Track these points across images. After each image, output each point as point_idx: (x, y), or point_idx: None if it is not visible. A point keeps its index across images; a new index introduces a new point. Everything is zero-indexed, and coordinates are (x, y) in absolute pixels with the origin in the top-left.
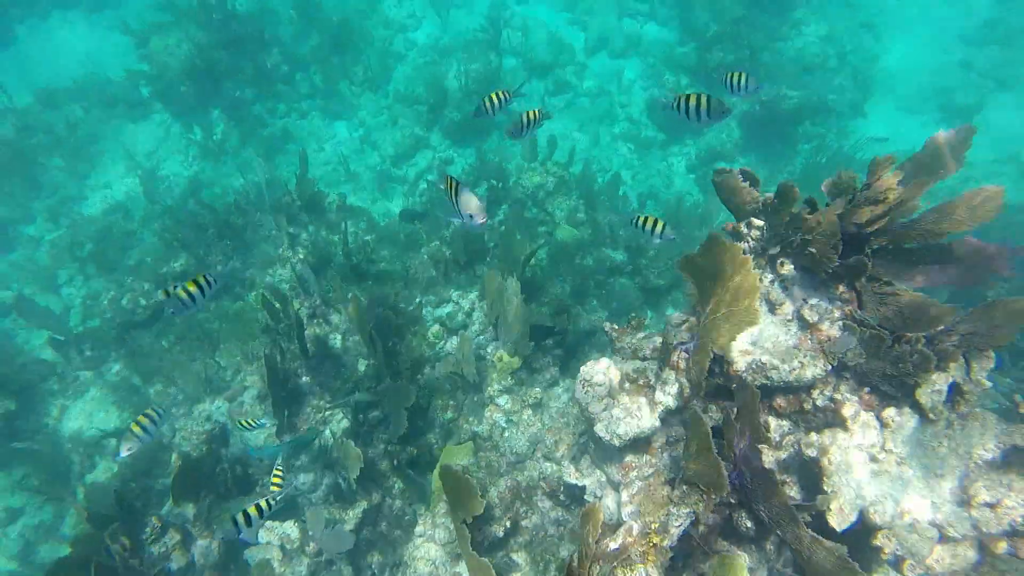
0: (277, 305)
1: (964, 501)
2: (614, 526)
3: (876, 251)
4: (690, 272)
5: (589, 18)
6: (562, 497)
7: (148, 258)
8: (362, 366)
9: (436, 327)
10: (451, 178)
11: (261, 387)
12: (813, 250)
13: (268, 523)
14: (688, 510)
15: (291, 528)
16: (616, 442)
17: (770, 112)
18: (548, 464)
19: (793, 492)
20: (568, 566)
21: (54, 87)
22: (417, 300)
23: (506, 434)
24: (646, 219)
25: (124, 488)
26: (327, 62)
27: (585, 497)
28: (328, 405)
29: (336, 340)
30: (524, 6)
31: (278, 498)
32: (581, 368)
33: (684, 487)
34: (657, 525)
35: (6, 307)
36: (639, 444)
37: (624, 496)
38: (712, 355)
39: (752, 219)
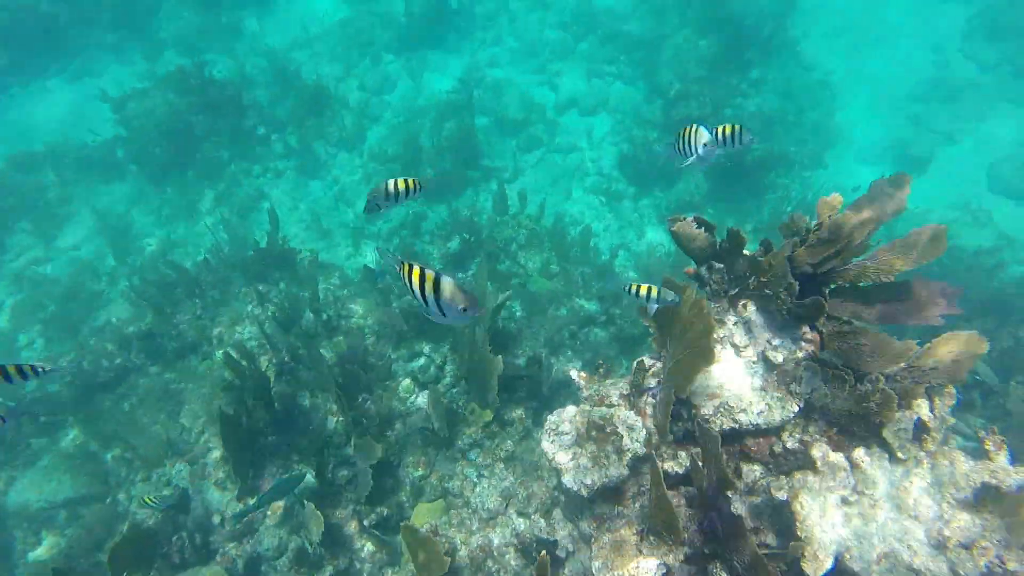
0: (243, 363)
1: (940, 544)
2: None
3: (834, 291)
4: (651, 317)
5: (559, 79)
6: (534, 554)
7: (114, 318)
8: (332, 423)
9: (407, 381)
10: (412, 265)
11: (223, 449)
12: (769, 291)
13: None
14: (658, 561)
15: None
16: (584, 492)
17: (736, 164)
18: (520, 520)
19: (768, 538)
20: None
21: (28, 151)
22: (388, 355)
23: (477, 489)
24: (638, 287)
25: (68, 567)
26: (303, 124)
27: (557, 552)
28: (293, 472)
29: (305, 397)
30: (496, 68)
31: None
32: (548, 418)
33: (651, 537)
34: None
35: None
36: (609, 494)
37: (595, 549)
38: (675, 399)
39: (713, 263)
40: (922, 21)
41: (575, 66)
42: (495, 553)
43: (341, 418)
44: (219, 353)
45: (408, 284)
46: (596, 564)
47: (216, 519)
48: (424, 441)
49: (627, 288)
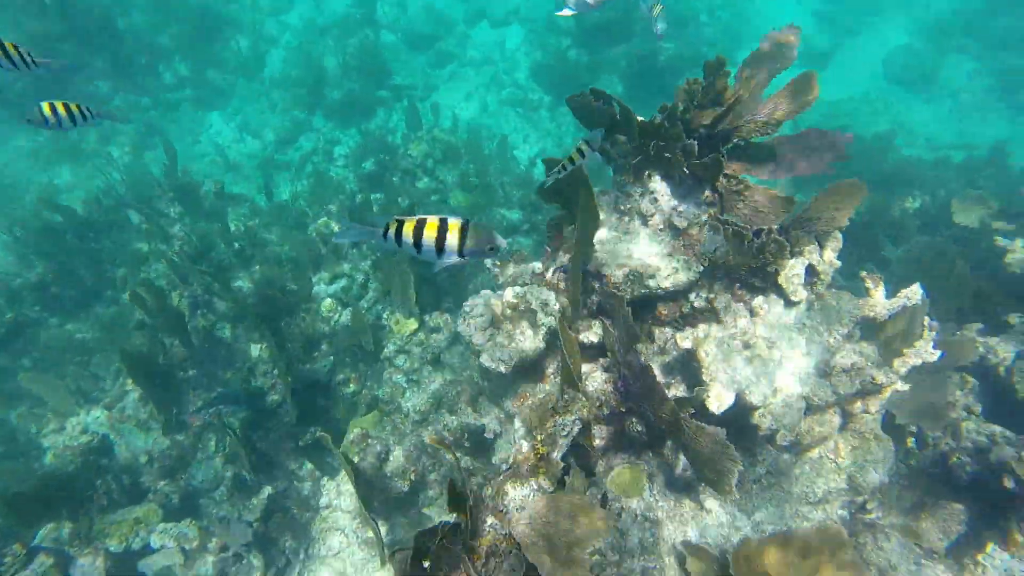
0: (152, 301)
1: (826, 372)
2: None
3: (732, 150)
4: (551, 197)
5: None
6: (467, 444)
7: None
8: (255, 351)
9: (328, 301)
10: (413, 219)
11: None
12: (668, 155)
13: (163, 525)
14: (573, 417)
15: (189, 528)
16: (503, 368)
17: (648, 65)
18: (452, 417)
19: (680, 391)
20: (450, 484)
21: None
22: (309, 277)
23: (407, 394)
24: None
25: None
26: (192, 50)
27: (485, 435)
28: (217, 397)
29: (225, 329)
30: None
31: None
32: (464, 304)
33: (566, 396)
34: (543, 437)
35: None
36: (528, 370)
37: (517, 423)
38: (584, 268)
39: (616, 136)
40: None
41: None
42: (428, 449)
43: (264, 344)
44: (125, 296)
45: (412, 239)
46: (519, 434)
47: (143, 459)
48: (353, 357)
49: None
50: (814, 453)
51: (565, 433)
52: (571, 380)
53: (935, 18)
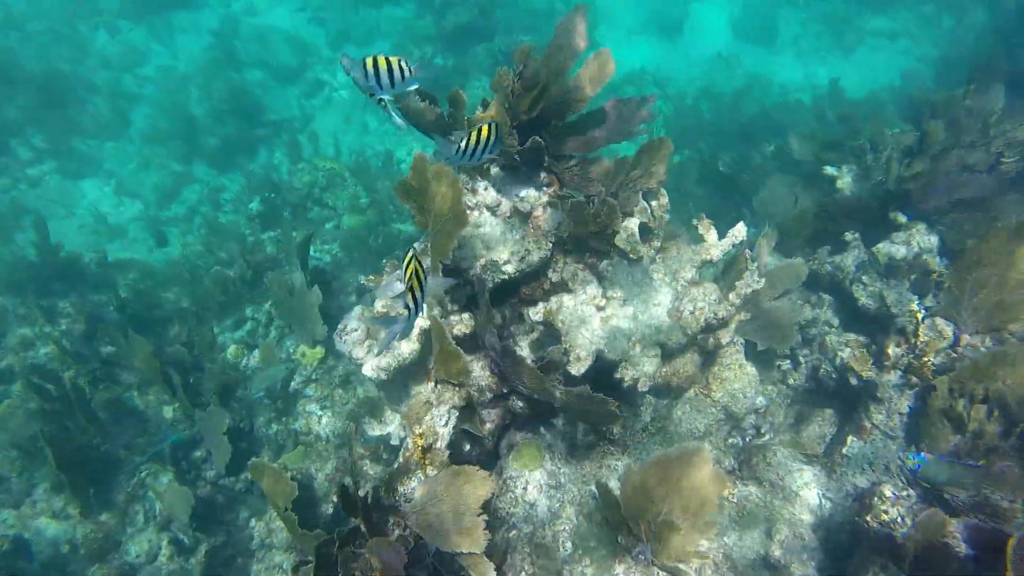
0: (48, 385)
1: (677, 317)
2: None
3: (553, 130)
4: (406, 195)
5: (326, 13)
6: (385, 456)
7: None
8: (168, 412)
9: (232, 347)
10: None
11: (52, 476)
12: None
13: None
14: (446, 406)
15: None
16: (384, 376)
17: (507, 59)
18: (368, 430)
19: None
20: (340, 489)
21: None
22: (213, 328)
23: (323, 420)
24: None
25: None
26: (46, 120)
27: (392, 443)
28: (141, 460)
29: (133, 398)
30: (256, 17)
31: None
32: (339, 325)
33: (438, 387)
34: (422, 429)
35: None
36: (413, 373)
37: (399, 424)
38: (442, 266)
39: (453, 134)
40: None
41: None
42: (350, 469)
43: (176, 404)
44: (15, 387)
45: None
46: (403, 433)
47: (66, 549)
48: (271, 397)
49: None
50: (690, 393)
51: (444, 423)
52: (445, 372)
53: None
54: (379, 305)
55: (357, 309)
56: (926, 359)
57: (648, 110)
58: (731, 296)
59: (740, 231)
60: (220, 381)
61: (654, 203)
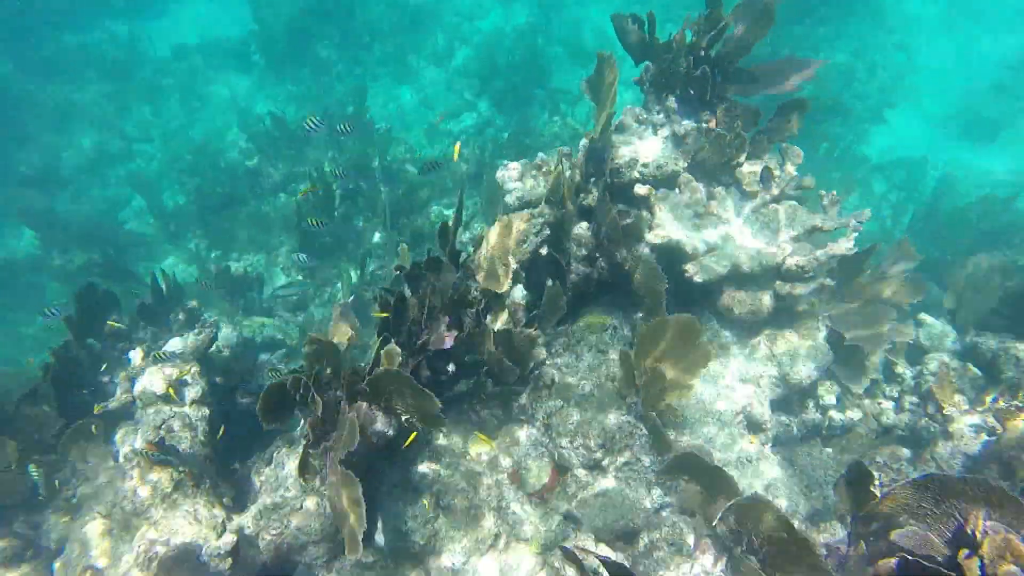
0: (320, 180)
1: (761, 254)
2: None
3: (726, 75)
4: (588, 88)
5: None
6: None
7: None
8: (375, 237)
9: (436, 208)
10: None
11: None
12: (675, 67)
13: None
14: (539, 224)
15: None
16: (514, 200)
17: None
18: None
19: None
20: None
21: (183, 43)
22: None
23: None
24: None
25: None
26: (399, 37)
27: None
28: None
29: (359, 220)
30: (580, 7)
31: None
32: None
33: (534, 212)
34: (514, 239)
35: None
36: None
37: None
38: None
39: (649, 64)
40: None
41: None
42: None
43: (383, 233)
44: (301, 187)
45: None
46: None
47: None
48: None
49: None
50: (756, 340)
51: (536, 238)
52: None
53: None
54: (539, 156)
55: (514, 164)
56: None
57: (811, 71)
58: (818, 252)
59: (864, 215)
60: (417, 228)
61: (787, 161)
